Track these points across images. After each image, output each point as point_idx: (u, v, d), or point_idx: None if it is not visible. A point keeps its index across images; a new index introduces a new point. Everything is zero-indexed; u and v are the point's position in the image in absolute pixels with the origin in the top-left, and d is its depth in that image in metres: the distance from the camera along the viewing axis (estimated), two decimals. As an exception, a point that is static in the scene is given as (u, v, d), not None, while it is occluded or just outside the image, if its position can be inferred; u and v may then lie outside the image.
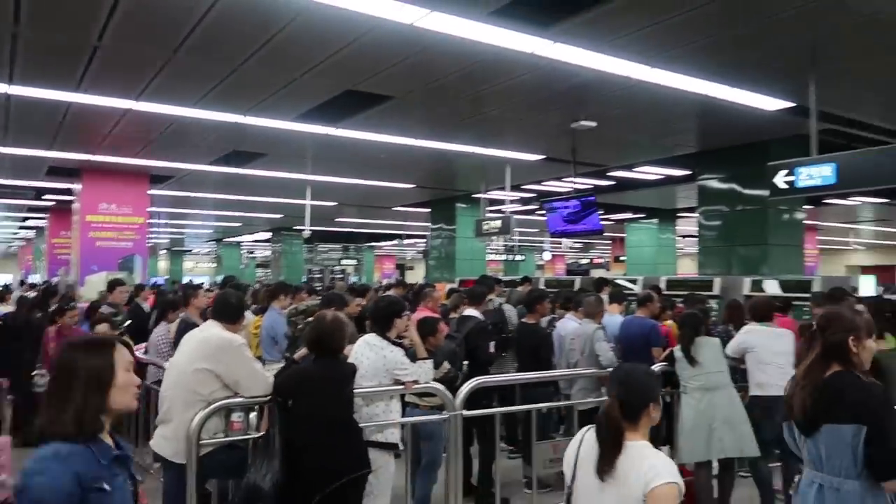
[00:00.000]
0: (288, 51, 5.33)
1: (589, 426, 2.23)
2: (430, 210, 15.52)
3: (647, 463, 2.00)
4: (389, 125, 7.90)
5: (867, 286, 24.83)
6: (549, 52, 5.20)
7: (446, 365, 4.42)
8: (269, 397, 3.31)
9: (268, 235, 24.76)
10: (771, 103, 6.62)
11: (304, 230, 13.74)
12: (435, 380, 4.02)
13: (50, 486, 1.56)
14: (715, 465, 4.66)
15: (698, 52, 5.28)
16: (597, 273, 22.20)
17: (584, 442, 2.19)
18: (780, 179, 5.71)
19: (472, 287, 6.17)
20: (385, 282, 21.14)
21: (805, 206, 9.98)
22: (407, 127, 8.05)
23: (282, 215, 18.48)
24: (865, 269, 30.85)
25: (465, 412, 4.04)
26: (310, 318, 4.89)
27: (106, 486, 1.62)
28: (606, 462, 2.04)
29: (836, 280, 7.83)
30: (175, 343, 4.71)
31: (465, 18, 4.62)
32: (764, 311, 5.16)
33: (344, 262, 28.74)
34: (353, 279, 27.40)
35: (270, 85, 6.28)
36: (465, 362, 4.99)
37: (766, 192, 5.94)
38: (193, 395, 3.19)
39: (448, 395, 3.98)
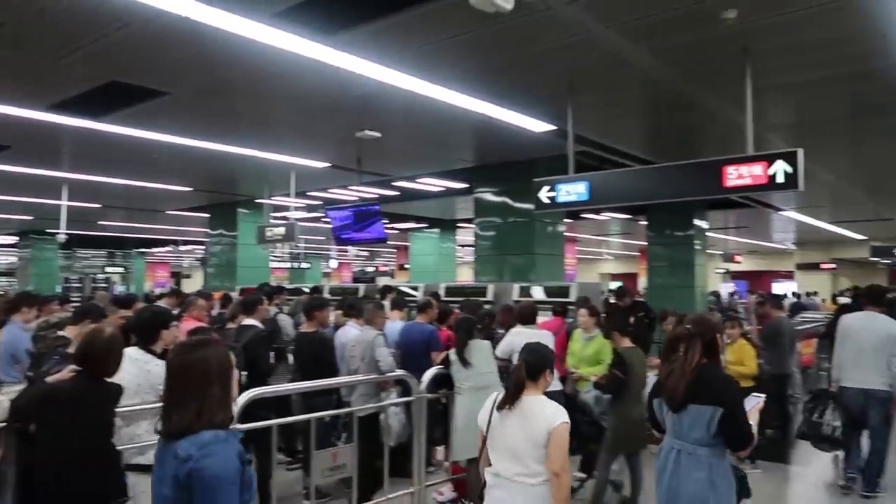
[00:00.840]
0: (41, 30, 4.69)
1: (499, 392, 3.18)
2: (209, 215, 14.67)
3: (549, 409, 2.97)
4: (163, 123, 7.32)
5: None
6: (335, 60, 5.19)
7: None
8: (3, 423, 2.88)
9: (13, 239, 21.60)
10: (537, 125, 7.25)
11: (58, 234, 12.21)
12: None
13: (223, 464, 1.87)
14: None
15: (473, 73, 5.61)
16: (382, 281, 22.62)
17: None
18: (544, 195, 6.27)
19: (245, 296, 5.95)
20: (157, 291, 19.57)
21: (566, 220, 11.09)
22: (183, 126, 7.53)
23: (31, 217, 16.27)
24: (614, 276, 35.13)
25: (241, 426, 3.86)
26: (61, 333, 4.37)
27: (251, 459, 1.92)
28: (508, 401, 3.03)
29: (592, 286, 8.77)
30: None
31: (246, 18, 4.44)
32: (529, 314, 5.64)
33: (109, 269, 26.07)
34: (119, 289, 24.94)
35: (18, 68, 5.49)
36: (244, 373, 4.78)
37: (532, 206, 6.49)
38: None
39: (222, 410, 3.78)
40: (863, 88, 6.09)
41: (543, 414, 2.93)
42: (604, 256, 33.90)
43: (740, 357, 5.95)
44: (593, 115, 6.90)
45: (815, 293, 21.16)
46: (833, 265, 24.80)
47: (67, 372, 3.11)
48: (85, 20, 4.53)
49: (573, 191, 6.07)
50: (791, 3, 4.27)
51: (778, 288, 27.68)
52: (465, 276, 24.24)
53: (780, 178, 4.84)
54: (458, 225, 18.51)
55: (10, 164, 9.44)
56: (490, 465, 3.07)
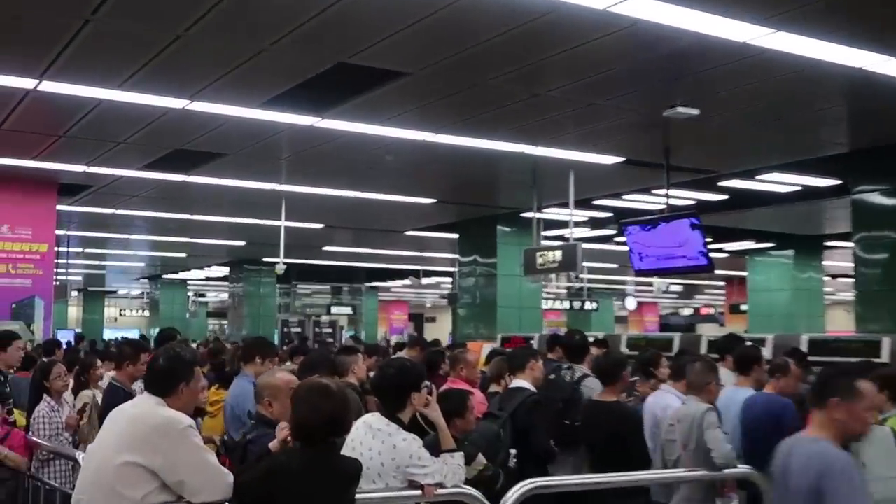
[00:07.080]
0: (252, 10, 5.41)
1: None
2: (457, 235, 15.57)
3: None
4: (399, 114, 7.98)
5: None
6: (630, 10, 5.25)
7: (482, 458, 4.39)
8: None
9: (225, 271, 24.62)
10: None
11: (277, 263, 13.69)
12: (467, 481, 4.01)
13: None
14: None
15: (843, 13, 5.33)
16: (704, 329, 21.95)
17: None
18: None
19: (514, 349, 6.18)
20: (393, 339, 21.09)
21: None
22: (425, 117, 8.13)
23: (244, 242, 18.51)
24: None
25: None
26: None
27: None
28: None
29: None
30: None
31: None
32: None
33: (335, 309, 28.35)
34: (347, 334, 27.01)
35: (228, 58, 6.37)
36: (513, 452, 4.96)
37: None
38: (118, 501, 3.19)
39: (486, 506, 3.97)
40: None
41: None
42: None
43: None
44: None
45: None
46: None
47: (276, 443, 3.48)
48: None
49: None
50: None
51: None
52: (841, 324, 22.65)
53: None
54: (826, 244, 17.37)
55: (222, 175, 11.01)
56: None
